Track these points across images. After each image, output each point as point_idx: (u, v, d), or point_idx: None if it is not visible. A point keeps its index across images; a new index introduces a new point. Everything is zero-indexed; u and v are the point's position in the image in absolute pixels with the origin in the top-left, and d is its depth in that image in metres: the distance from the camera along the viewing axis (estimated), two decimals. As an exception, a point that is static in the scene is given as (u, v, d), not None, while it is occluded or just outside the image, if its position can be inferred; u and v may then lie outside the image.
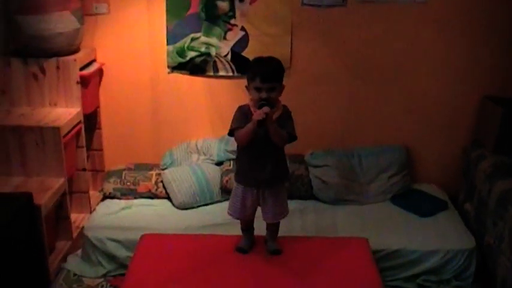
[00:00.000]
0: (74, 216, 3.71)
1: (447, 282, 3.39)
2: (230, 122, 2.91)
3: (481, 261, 3.41)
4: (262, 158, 2.91)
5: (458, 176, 4.07)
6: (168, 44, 3.91)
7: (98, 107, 4.02)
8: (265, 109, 2.71)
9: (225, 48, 3.93)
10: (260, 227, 3.17)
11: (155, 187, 3.87)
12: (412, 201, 3.86)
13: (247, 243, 3.13)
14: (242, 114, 2.88)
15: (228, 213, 3.10)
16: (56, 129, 3.32)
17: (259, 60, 2.93)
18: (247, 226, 3.15)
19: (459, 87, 3.99)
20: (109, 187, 3.87)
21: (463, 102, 4.02)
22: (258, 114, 2.72)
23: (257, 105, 2.77)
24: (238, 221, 3.14)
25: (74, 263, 3.48)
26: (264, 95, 2.77)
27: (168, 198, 3.83)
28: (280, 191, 3.03)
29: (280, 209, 3.05)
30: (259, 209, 3.08)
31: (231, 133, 2.91)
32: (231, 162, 3.89)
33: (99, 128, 4.07)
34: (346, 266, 3.02)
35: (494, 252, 3.24)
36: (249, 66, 2.94)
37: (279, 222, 3.11)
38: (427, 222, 3.64)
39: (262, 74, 2.78)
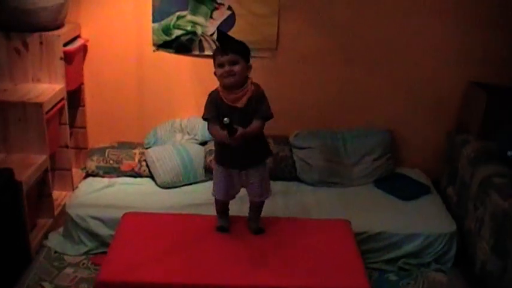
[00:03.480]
0: (56, 193, 3.69)
1: (427, 265, 3.42)
2: None
3: (461, 245, 3.45)
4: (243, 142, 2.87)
5: (442, 160, 4.09)
6: (153, 21, 3.87)
7: (82, 83, 3.98)
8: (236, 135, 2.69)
9: (211, 27, 3.89)
10: (240, 209, 3.19)
11: (138, 166, 3.85)
12: (395, 184, 3.88)
13: (226, 221, 3.13)
14: (212, 103, 2.84)
15: (213, 194, 3.09)
16: (39, 105, 3.29)
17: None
18: (223, 208, 3.14)
19: (446, 72, 4.00)
20: (92, 165, 3.84)
21: (449, 87, 4.03)
22: (233, 140, 2.70)
23: (221, 125, 2.70)
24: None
25: (56, 241, 3.46)
26: (227, 68, 2.74)
27: (151, 177, 3.81)
28: (264, 169, 3.02)
29: (266, 186, 3.05)
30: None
31: (204, 119, 2.90)
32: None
33: (83, 105, 4.04)
34: (328, 248, 3.03)
35: (474, 236, 3.27)
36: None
37: (263, 202, 3.10)
38: (410, 206, 3.66)
39: (221, 47, 2.78)
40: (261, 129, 2.87)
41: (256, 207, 3.12)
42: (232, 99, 2.79)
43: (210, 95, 2.88)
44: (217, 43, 2.87)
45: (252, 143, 2.86)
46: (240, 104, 2.79)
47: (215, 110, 2.82)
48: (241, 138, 2.71)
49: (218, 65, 2.78)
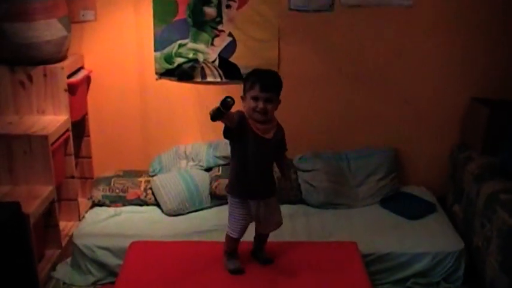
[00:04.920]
0: (62, 224, 3.69)
1: (437, 284, 3.41)
2: (218, 128, 2.87)
3: (470, 263, 3.43)
4: (263, 170, 2.88)
5: (447, 178, 4.09)
6: (155, 50, 3.91)
7: (86, 114, 4.00)
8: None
9: (213, 54, 3.93)
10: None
11: (144, 194, 3.86)
12: (401, 204, 3.88)
13: (239, 262, 3.03)
14: (239, 114, 2.74)
15: (230, 234, 2.95)
16: (44, 138, 3.31)
17: (260, 70, 2.93)
18: (235, 248, 3.04)
19: (447, 89, 4.02)
20: (98, 194, 3.86)
21: (451, 104, 4.05)
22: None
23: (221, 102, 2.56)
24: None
25: (64, 272, 3.46)
26: (261, 104, 2.73)
27: (158, 204, 3.82)
28: (276, 198, 3.01)
29: (280, 213, 3.03)
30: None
31: (225, 132, 2.78)
32: (220, 167, 3.89)
33: (88, 135, 4.06)
34: (336, 271, 3.03)
35: (482, 254, 3.26)
36: (248, 75, 2.88)
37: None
38: (416, 225, 3.66)
39: (263, 83, 2.75)
40: None
41: (264, 238, 3.09)
42: (263, 130, 2.79)
43: (238, 111, 2.76)
44: (255, 76, 2.82)
45: (268, 172, 2.91)
46: (268, 136, 2.81)
47: (238, 122, 2.70)
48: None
49: (252, 97, 2.75)
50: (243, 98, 2.83)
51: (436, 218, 3.74)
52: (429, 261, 3.39)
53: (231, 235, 2.96)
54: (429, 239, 3.49)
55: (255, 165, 2.84)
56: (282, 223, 3.06)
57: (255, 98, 2.75)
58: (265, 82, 2.76)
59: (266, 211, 2.95)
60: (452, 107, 4.05)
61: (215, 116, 2.54)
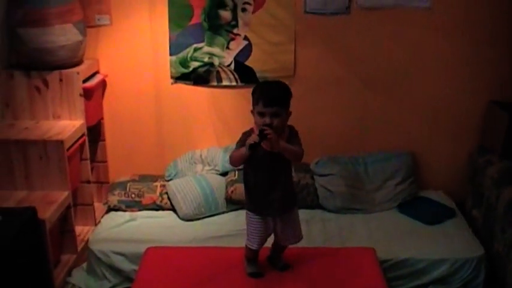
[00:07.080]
0: (78, 228, 3.68)
1: (456, 291, 3.36)
2: (234, 132, 2.87)
3: (490, 269, 3.37)
4: (278, 185, 2.83)
5: (466, 182, 4.03)
6: (170, 54, 3.90)
7: (102, 118, 4.00)
8: (267, 130, 2.61)
9: (228, 57, 3.91)
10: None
11: (160, 199, 3.85)
12: (419, 209, 3.83)
13: (258, 267, 3.03)
14: (245, 139, 2.74)
15: (249, 246, 2.94)
16: (60, 143, 3.31)
17: (264, 84, 2.88)
18: (256, 255, 3.03)
19: (465, 92, 3.97)
20: (114, 199, 3.85)
21: (469, 108, 4.00)
22: (251, 138, 2.63)
23: (258, 130, 2.66)
24: (244, 232, 3.03)
25: (79, 277, 3.45)
26: (267, 120, 2.66)
27: (173, 209, 3.81)
28: (296, 212, 2.98)
29: (299, 228, 2.99)
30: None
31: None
32: (236, 172, 3.85)
33: (103, 140, 4.06)
34: (353, 277, 3.00)
35: (503, 259, 3.21)
36: (254, 89, 2.81)
37: None
38: (435, 230, 3.61)
39: (265, 98, 2.67)
40: (300, 155, 2.78)
41: (282, 249, 3.07)
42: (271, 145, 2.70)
43: (244, 133, 2.79)
44: (258, 90, 2.76)
45: (284, 186, 2.85)
46: (277, 150, 2.71)
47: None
48: (273, 141, 2.62)
49: (258, 113, 2.69)
50: (252, 113, 2.77)
51: (455, 223, 3.69)
52: (448, 267, 3.33)
53: (250, 247, 2.94)
54: (448, 245, 3.44)
55: (269, 181, 2.81)
56: (301, 238, 3.01)
57: (261, 114, 2.69)
58: (269, 97, 2.68)
59: (283, 226, 2.92)
60: (471, 110, 4.00)
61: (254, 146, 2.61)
